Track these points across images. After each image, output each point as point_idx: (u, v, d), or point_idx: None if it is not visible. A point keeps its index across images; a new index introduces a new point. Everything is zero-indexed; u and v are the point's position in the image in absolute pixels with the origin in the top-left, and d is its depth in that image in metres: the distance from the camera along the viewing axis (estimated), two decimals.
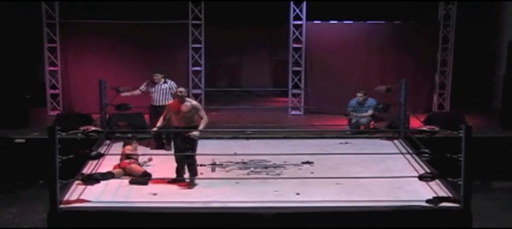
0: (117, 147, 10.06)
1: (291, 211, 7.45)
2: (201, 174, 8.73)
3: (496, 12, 15.03)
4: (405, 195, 7.85)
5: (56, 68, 13.91)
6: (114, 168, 8.69)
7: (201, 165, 8.99)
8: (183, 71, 14.19)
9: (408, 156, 9.67)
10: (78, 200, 7.59)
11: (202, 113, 8.42)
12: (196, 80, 14.11)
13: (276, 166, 9.30)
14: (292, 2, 13.96)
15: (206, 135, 8.94)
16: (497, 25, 15.07)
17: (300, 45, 14.13)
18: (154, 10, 13.62)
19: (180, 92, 8.44)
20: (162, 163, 9.12)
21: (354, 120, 11.83)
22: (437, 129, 8.50)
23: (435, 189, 8.04)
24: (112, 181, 8.24)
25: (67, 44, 13.93)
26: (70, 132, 7.89)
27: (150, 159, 9.29)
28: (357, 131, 11.71)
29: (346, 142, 11.03)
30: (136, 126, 11.21)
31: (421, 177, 8.03)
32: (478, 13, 14.84)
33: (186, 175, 8.42)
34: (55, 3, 13.60)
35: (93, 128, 8.18)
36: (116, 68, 13.54)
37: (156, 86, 10.24)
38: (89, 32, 13.89)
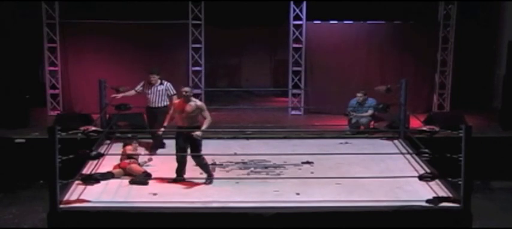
0: (117, 147, 10.06)
1: (291, 211, 7.45)
2: (201, 173, 8.73)
3: (496, 12, 15.03)
4: (405, 195, 7.85)
5: (56, 68, 13.91)
6: (114, 168, 8.69)
7: None
8: (183, 71, 14.19)
9: (408, 156, 9.67)
10: (78, 200, 7.59)
11: (206, 114, 8.42)
12: (196, 80, 14.11)
13: (276, 166, 9.30)
14: (292, 2, 13.96)
15: (206, 135, 8.93)
16: (497, 25, 15.07)
17: (300, 45, 14.13)
18: (154, 10, 13.62)
19: (186, 91, 8.47)
20: (162, 163, 9.13)
21: (354, 120, 11.83)
22: (437, 129, 8.49)
23: (435, 189, 8.04)
24: (112, 181, 8.25)
25: (67, 44, 13.93)
26: (70, 132, 7.90)
27: (150, 159, 9.29)
28: (357, 131, 11.71)
29: (346, 142, 11.03)
30: (136, 126, 11.21)
31: (421, 177, 8.04)
32: (478, 13, 14.85)
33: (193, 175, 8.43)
34: (55, 3, 13.60)
35: (93, 128, 8.18)
36: (116, 68, 13.54)
37: (153, 87, 10.14)
38: (89, 32, 13.89)
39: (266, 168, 9.26)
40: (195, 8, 13.79)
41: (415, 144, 8.99)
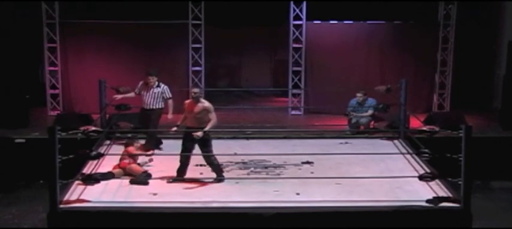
0: (117, 147, 10.07)
1: (291, 211, 7.45)
2: (201, 174, 8.74)
3: (496, 12, 15.03)
4: (405, 195, 7.85)
5: (56, 68, 13.92)
6: (114, 168, 8.69)
7: (201, 165, 9.01)
8: (183, 71, 14.20)
9: (408, 156, 9.67)
10: (78, 200, 7.59)
11: (212, 115, 8.42)
12: (196, 80, 14.11)
13: (276, 166, 9.30)
14: (292, 2, 13.96)
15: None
16: (497, 25, 15.07)
17: (300, 45, 14.13)
18: (154, 10, 13.62)
19: (194, 92, 8.50)
20: (162, 164, 9.13)
21: (354, 120, 11.82)
22: (437, 129, 8.50)
23: (435, 189, 8.04)
24: (112, 181, 8.25)
25: (67, 44, 13.93)
26: (70, 132, 7.91)
27: (150, 160, 9.28)
28: (357, 131, 11.71)
29: (346, 142, 11.04)
30: (137, 126, 11.19)
31: (421, 177, 8.04)
32: (478, 13, 14.85)
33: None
34: (55, 3, 13.61)
35: (93, 128, 8.18)
36: (116, 68, 13.54)
37: (149, 89, 10.08)
38: (89, 32, 13.89)
39: (266, 168, 9.26)
40: (195, 8, 13.79)
41: (415, 144, 8.99)
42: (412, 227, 7.35)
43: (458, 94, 14.40)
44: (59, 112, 13.64)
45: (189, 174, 8.63)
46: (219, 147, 10.12)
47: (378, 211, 7.45)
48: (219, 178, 8.45)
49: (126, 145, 9.23)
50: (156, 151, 9.90)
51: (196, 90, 8.56)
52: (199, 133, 8.31)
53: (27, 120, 12.36)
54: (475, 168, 7.58)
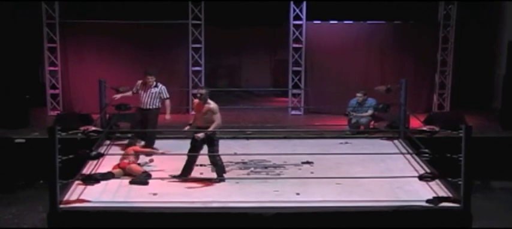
0: (117, 147, 10.07)
1: (291, 211, 7.45)
2: (201, 174, 8.74)
3: (496, 12, 15.03)
4: (405, 195, 7.84)
5: (56, 68, 13.92)
6: (114, 168, 8.68)
7: (201, 165, 9.01)
8: (183, 71, 14.20)
9: (408, 156, 9.67)
10: (78, 200, 7.58)
11: (216, 116, 8.40)
12: (196, 80, 14.11)
13: (276, 166, 9.30)
14: (292, 2, 13.96)
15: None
16: (497, 25, 15.07)
17: (300, 45, 14.14)
18: (154, 10, 13.62)
19: (200, 93, 8.48)
20: (162, 163, 9.13)
21: (354, 120, 11.82)
22: (437, 129, 8.49)
23: (435, 189, 8.04)
24: (112, 181, 8.24)
25: (67, 44, 13.93)
26: (70, 132, 7.89)
27: (151, 160, 9.27)
28: (357, 131, 11.71)
29: (346, 142, 11.03)
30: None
31: (421, 177, 8.04)
32: (478, 13, 14.85)
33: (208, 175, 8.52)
34: (55, 3, 13.61)
35: (93, 128, 8.17)
36: (116, 68, 13.54)
37: (147, 89, 10.07)
38: (89, 32, 13.90)
39: (266, 168, 9.26)
40: (195, 8, 13.79)
41: (415, 144, 8.99)
42: (412, 227, 7.35)
43: (458, 94, 14.40)
44: (59, 112, 13.64)
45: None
46: (219, 147, 10.15)
47: (378, 211, 7.45)
48: (220, 179, 8.44)
49: (129, 145, 9.24)
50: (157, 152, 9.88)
51: (202, 90, 8.55)
52: (200, 135, 8.33)
53: (27, 120, 12.36)
54: (475, 168, 7.58)
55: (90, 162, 8.85)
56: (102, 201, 7.60)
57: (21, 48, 14.23)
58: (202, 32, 13.93)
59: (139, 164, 8.94)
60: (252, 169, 9.21)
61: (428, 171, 8.44)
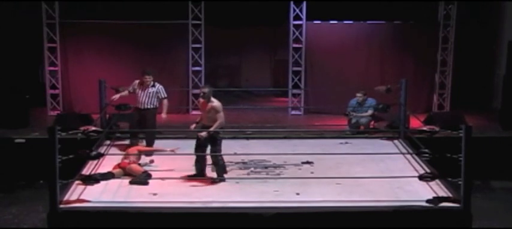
0: (117, 147, 10.08)
1: (291, 211, 7.45)
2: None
3: (496, 12, 15.04)
4: (405, 195, 7.84)
5: (56, 68, 13.92)
6: (114, 168, 8.68)
7: None
8: (183, 71, 14.21)
9: (408, 156, 9.66)
10: (78, 200, 7.58)
11: (219, 115, 8.40)
12: (196, 80, 14.12)
13: (276, 166, 9.29)
14: (292, 2, 13.96)
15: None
16: (497, 25, 15.07)
17: (300, 45, 14.14)
18: (154, 10, 13.63)
19: (204, 92, 8.49)
20: (163, 164, 9.14)
21: (354, 120, 11.82)
22: (437, 129, 8.49)
23: (435, 189, 8.04)
24: (112, 181, 8.24)
25: (67, 44, 13.93)
26: (70, 132, 7.89)
27: (151, 161, 9.26)
28: (357, 131, 11.71)
29: (346, 142, 11.03)
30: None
31: (421, 177, 8.03)
32: (478, 13, 14.85)
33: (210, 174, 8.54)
34: (55, 3, 13.62)
35: (93, 128, 8.17)
36: (116, 68, 13.55)
37: (145, 88, 10.05)
38: (89, 32, 13.90)
39: (266, 168, 9.26)
40: (195, 8, 13.80)
41: (415, 144, 8.99)
42: (412, 227, 7.35)
43: (458, 94, 14.40)
44: (59, 112, 13.65)
45: (188, 174, 8.65)
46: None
47: (378, 211, 7.44)
48: (220, 179, 8.44)
49: (131, 145, 9.22)
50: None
51: (205, 89, 8.55)
52: (203, 134, 8.35)
53: (27, 120, 12.36)
54: (475, 168, 7.57)
55: (90, 162, 8.84)
56: (102, 201, 7.59)
57: (21, 48, 14.24)
58: (202, 32, 13.93)
59: (139, 164, 8.94)
60: (252, 169, 9.20)
61: (428, 171, 8.43)
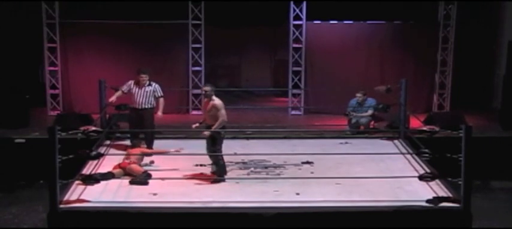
0: (117, 147, 10.08)
1: (291, 211, 7.45)
2: (201, 174, 8.73)
3: (496, 12, 15.03)
4: (405, 195, 7.84)
5: (56, 68, 13.92)
6: (114, 168, 8.68)
7: (201, 165, 9.03)
8: (183, 71, 14.21)
9: (408, 156, 9.67)
10: (78, 200, 7.58)
11: (219, 113, 8.41)
12: (196, 80, 14.11)
13: (276, 166, 9.30)
14: (292, 2, 13.96)
15: (206, 136, 8.91)
16: (497, 25, 15.07)
17: (300, 45, 14.14)
18: (154, 10, 13.62)
19: (205, 90, 8.51)
20: (163, 164, 9.15)
21: (354, 120, 11.82)
22: (437, 129, 8.50)
23: (435, 189, 8.04)
24: (112, 181, 8.24)
25: (67, 44, 13.93)
26: (70, 132, 7.90)
27: (152, 162, 9.26)
28: (357, 131, 11.71)
29: (346, 142, 11.03)
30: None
31: (421, 177, 8.03)
32: (478, 13, 14.85)
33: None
34: (55, 3, 13.61)
35: (93, 128, 8.18)
36: (116, 68, 13.53)
37: (141, 88, 10.02)
38: (89, 32, 13.90)
39: (266, 168, 9.26)
40: (195, 8, 13.80)
41: (415, 144, 8.99)
42: (412, 227, 7.35)
43: (458, 94, 14.40)
44: (59, 112, 13.64)
45: (188, 174, 8.65)
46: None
47: (378, 211, 7.44)
48: (220, 179, 8.44)
49: (133, 146, 9.22)
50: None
51: (207, 88, 8.57)
52: (206, 133, 8.37)
53: (27, 120, 12.36)
54: (475, 168, 7.57)
55: (90, 162, 8.85)
56: (102, 201, 7.59)
57: (21, 48, 14.23)
58: (202, 32, 13.93)
59: (140, 164, 8.93)
60: (252, 169, 9.21)
61: (428, 171, 8.44)
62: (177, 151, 9.00)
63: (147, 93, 10.03)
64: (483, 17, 14.98)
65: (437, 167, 8.47)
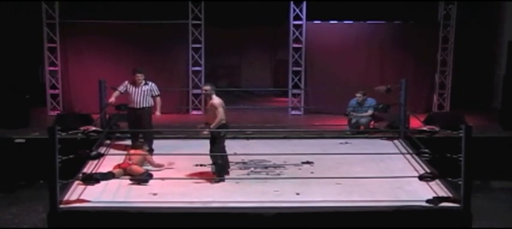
0: (117, 147, 10.07)
1: (291, 211, 7.45)
2: (201, 174, 8.73)
3: (496, 12, 15.03)
4: (405, 195, 7.84)
5: (56, 68, 13.92)
6: (114, 168, 8.67)
7: (201, 165, 9.03)
8: (183, 71, 14.21)
9: (408, 156, 9.67)
10: (78, 200, 7.58)
11: (217, 111, 8.41)
12: (196, 80, 14.11)
13: (276, 166, 9.30)
14: (292, 2, 13.96)
15: (207, 135, 8.92)
16: (497, 25, 15.07)
17: (300, 45, 14.14)
18: (154, 10, 13.62)
19: (206, 90, 8.54)
20: (163, 164, 9.14)
21: (354, 120, 11.82)
22: (437, 129, 8.49)
23: (435, 189, 8.04)
24: (112, 181, 8.23)
25: (67, 44, 13.93)
26: (70, 132, 7.89)
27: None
28: (357, 131, 11.71)
29: (346, 142, 11.03)
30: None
31: (421, 177, 8.03)
32: (478, 13, 14.85)
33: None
34: (55, 3, 13.62)
35: (93, 128, 8.18)
36: (116, 68, 13.52)
37: (138, 87, 10.01)
38: (89, 32, 13.90)
39: (266, 168, 9.26)
40: (195, 8, 13.80)
41: (415, 144, 8.99)
42: (412, 227, 7.35)
43: (458, 94, 14.40)
44: (59, 112, 13.65)
45: (188, 174, 8.65)
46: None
47: (378, 211, 7.44)
48: (219, 179, 8.44)
49: (135, 148, 9.22)
50: (157, 152, 9.86)
51: (206, 87, 8.59)
52: (204, 132, 8.36)
53: (27, 120, 12.36)
54: (475, 168, 7.57)
55: (90, 162, 8.85)
56: (102, 201, 7.59)
57: (21, 48, 14.23)
58: (202, 32, 13.93)
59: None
60: (252, 169, 9.20)
61: (428, 171, 8.43)
62: (170, 164, 9.09)
63: (144, 92, 10.02)
64: (483, 17, 14.97)
65: (437, 167, 8.47)
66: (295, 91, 14.42)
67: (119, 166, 8.71)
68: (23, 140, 11.18)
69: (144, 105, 10.01)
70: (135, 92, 10.00)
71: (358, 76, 14.03)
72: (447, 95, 14.38)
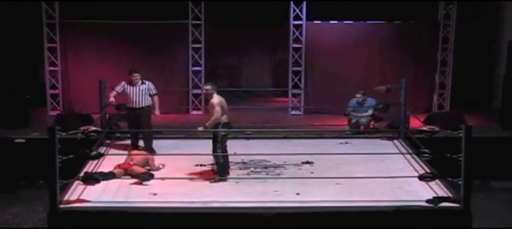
0: (117, 147, 10.07)
1: (291, 211, 7.45)
2: (201, 174, 8.73)
3: (496, 12, 15.03)
4: (405, 195, 7.84)
5: (56, 68, 13.93)
6: (115, 168, 8.67)
7: (201, 165, 9.03)
8: (183, 70, 14.21)
9: (408, 156, 9.67)
10: (78, 200, 7.58)
11: (214, 110, 8.41)
12: (196, 80, 14.12)
13: (276, 166, 9.30)
14: (292, 2, 13.96)
15: (207, 135, 8.93)
16: (497, 25, 15.07)
17: (300, 45, 14.14)
18: (154, 10, 13.62)
19: (206, 89, 8.54)
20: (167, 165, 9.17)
21: (354, 120, 11.82)
22: (437, 129, 8.49)
23: (435, 189, 8.04)
24: (112, 181, 8.22)
25: (67, 44, 13.93)
26: (70, 132, 7.89)
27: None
28: (357, 131, 11.71)
29: (346, 142, 11.03)
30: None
31: (421, 177, 8.03)
32: (478, 13, 14.85)
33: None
34: (55, 3, 13.62)
35: (93, 128, 8.18)
36: (116, 68, 13.49)
37: (135, 87, 10.00)
38: (89, 32, 13.90)
39: (266, 168, 9.26)
40: (195, 8, 13.80)
41: (415, 144, 8.99)
42: (412, 227, 7.35)
43: (458, 94, 14.40)
44: (59, 112, 13.64)
45: (188, 174, 8.65)
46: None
47: (378, 211, 7.44)
48: (220, 179, 8.44)
49: (134, 147, 9.22)
50: (157, 152, 9.87)
51: (207, 87, 8.59)
52: (200, 129, 8.37)
53: (27, 120, 12.36)
54: (475, 168, 7.57)
55: (90, 162, 8.85)
56: (102, 201, 7.59)
57: (21, 48, 14.23)
58: (202, 32, 13.93)
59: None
60: (252, 169, 9.20)
61: (428, 171, 8.43)
62: (162, 165, 9.12)
63: (142, 92, 10.01)
64: (483, 17, 14.97)
65: (437, 167, 8.47)
66: (295, 91, 14.42)
67: (119, 166, 8.70)
68: (23, 140, 11.18)
69: (143, 105, 10.00)
70: (132, 92, 10.00)
71: (358, 76, 14.03)
72: (447, 95, 14.38)
